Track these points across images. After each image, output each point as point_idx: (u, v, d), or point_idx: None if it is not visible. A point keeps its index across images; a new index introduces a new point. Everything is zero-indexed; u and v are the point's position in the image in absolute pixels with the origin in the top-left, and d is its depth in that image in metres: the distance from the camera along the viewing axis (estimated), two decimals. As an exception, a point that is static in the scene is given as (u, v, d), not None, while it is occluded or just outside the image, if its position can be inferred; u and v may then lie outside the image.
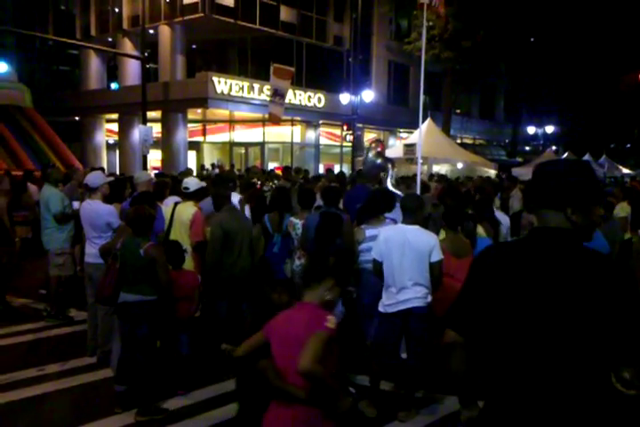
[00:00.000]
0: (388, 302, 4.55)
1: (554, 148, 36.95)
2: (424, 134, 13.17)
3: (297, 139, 26.51)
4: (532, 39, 25.23)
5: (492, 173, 20.37)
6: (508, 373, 1.77)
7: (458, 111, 32.60)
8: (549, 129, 37.23)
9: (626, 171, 31.63)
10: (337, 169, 26.75)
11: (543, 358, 1.71)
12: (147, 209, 4.73)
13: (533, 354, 1.73)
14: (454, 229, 5.27)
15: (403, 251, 4.48)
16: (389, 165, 8.13)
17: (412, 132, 23.39)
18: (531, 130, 37.45)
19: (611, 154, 34.14)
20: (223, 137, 26.38)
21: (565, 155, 28.79)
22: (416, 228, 4.59)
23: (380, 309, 4.63)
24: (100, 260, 5.53)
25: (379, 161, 8.19)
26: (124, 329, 4.71)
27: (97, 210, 5.57)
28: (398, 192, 8.08)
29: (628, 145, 41.50)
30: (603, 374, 1.75)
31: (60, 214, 6.75)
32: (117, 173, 19.71)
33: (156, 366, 4.66)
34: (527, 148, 40.42)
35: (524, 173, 22.93)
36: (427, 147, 14.03)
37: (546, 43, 26.42)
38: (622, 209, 8.79)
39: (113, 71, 18.23)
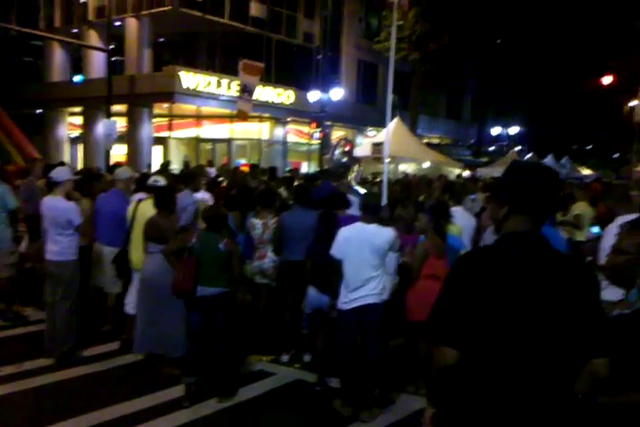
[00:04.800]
0: (345, 300, 4.66)
1: (518, 148, 37.58)
2: (392, 133, 13.18)
3: (265, 136, 26.34)
4: (498, 41, 25.62)
5: (457, 171, 20.59)
6: (494, 375, 1.78)
7: (425, 111, 32.86)
8: (514, 130, 37.84)
9: (587, 172, 32.36)
10: (304, 167, 26.80)
11: (530, 358, 1.75)
12: (223, 208, 5.25)
13: (522, 354, 1.75)
14: (434, 228, 5.24)
15: (361, 250, 4.58)
16: (356, 164, 8.16)
17: (379, 131, 23.47)
18: (496, 130, 37.98)
19: (573, 155, 34.90)
20: (190, 132, 26.03)
21: (529, 155, 29.31)
22: (374, 226, 4.69)
23: (338, 306, 4.74)
24: (62, 257, 5.42)
25: (344, 160, 8.21)
26: (195, 322, 4.86)
27: (58, 207, 5.42)
28: (363, 190, 8.11)
29: (589, 146, 42.51)
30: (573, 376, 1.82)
31: (17, 210, 6.62)
32: (78, 167, 19.25)
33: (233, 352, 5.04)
34: (492, 148, 41.00)
35: (488, 172, 23.34)
36: (394, 146, 14.04)
37: (512, 45, 26.85)
38: (577, 208, 8.86)
39: (77, 64, 17.80)
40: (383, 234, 4.65)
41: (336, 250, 4.68)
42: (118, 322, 6.23)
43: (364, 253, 4.56)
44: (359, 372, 4.78)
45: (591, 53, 29.19)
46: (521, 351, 1.75)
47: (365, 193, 6.07)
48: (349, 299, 4.62)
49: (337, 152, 8.33)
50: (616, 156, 37.35)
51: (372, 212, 4.77)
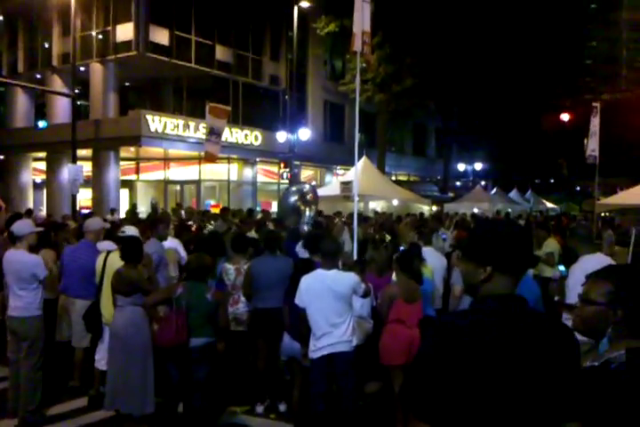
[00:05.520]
0: (313, 348, 4.62)
1: (483, 183, 38.41)
2: (360, 172, 13.34)
3: (234, 176, 26.37)
4: (460, 81, 26.50)
5: (426, 209, 20.86)
6: None
7: (392, 149, 33.46)
8: (478, 166, 38.75)
9: (550, 205, 33.20)
10: (274, 206, 26.79)
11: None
12: (207, 257, 5.12)
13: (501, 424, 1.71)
14: (407, 273, 5.24)
15: (323, 297, 4.56)
16: (306, 208, 8.15)
17: (348, 170, 23.75)
18: (461, 167, 38.83)
19: (536, 189, 35.79)
20: (158, 175, 25.91)
21: (494, 190, 29.96)
22: (335, 272, 4.68)
23: (309, 355, 4.68)
24: (26, 313, 5.21)
25: (293, 199, 8.16)
26: (174, 374, 4.84)
27: (22, 261, 5.23)
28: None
29: (552, 180, 43.67)
30: None
31: None
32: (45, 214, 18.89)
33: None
34: (458, 183, 41.83)
35: (455, 208, 23.73)
36: (363, 184, 14.21)
37: (472, 85, 27.76)
38: (549, 245, 9.10)
39: (41, 109, 17.68)
40: (344, 279, 4.63)
41: (299, 299, 4.66)
42: (86, 377, 6.00)
43: (327, 300, 4.53)
44: (335, 421, 4.67)
45: (550, 91, 30.36)
46: (500, 423, 1.71)
47: (323, 239, 6.05)
48: (317, 347, 4.57)
49: (290, 193, 8.29)
50: (578, 189, 38.43)
51: (330, 257, 4.75)
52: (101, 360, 5.61)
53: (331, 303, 4.53)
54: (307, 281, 4.66)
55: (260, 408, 5.66)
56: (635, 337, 1.90)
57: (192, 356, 4.71)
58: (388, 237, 12.10)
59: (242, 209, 16.72)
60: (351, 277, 4.68)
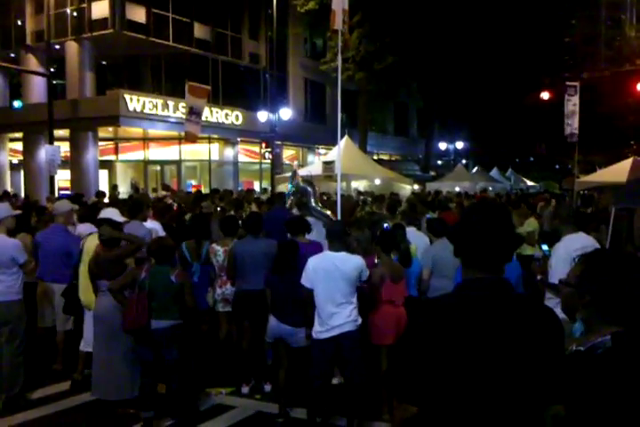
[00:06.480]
0: (320, 329, 4.60)
1: (464, 162, 38.55)
2: (342, 151, 13.27)
3: (215, 156, 26.15)
4: (441, 60, 26.38)
5: (408, 188, 20.90)
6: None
7: (373, 128, 33.34)
8: (459, 145, 38.82)
9: (530, 183, 33.51)
10: (257, 186, 26.67)
11: (492, 410, 1.73)
12: (168, 239, 5.15)
13: (484, 406, 1.73)
14: (388, 253, 5.29)
15: (331, 278, 4.54)
16: (309, 189, 8.17)
17: (330, 149, 23.65)
18: (442, 145, 38.87)
19: (516, 167, 36.04)
20: (137, 155, 25.58)
21: (475, 169, 30.13)
22: (343, 254, 4.67)
23: (313, 335, 4.67)
24: (6, 297, 5.16)
25: (309, 188, 8.22)
26: (146, 356, 4.82)
27: (1, 245, 5.13)
28: (327, 212, 8.10)
29: (531, 159, 43.96)
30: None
31: None
32: (22, 195, 18.59)
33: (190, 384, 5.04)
34: (439, 162, 41.91)
35: (437, 187, 23.83)
36: (345, 164, 14.17)
37: (453, 63, 27.66)
38: (530, 224, 9.24)
39: (16, 89, 17.26)
40: (352, 261, 4.64)
41: (305, 279, 4.64)
42: (69, 360, 5.97)
43: (335, 280, 4.53)
44: (331, 402, 4.71)
45: (530, 70, 30.35)
46: (483, 404, 1.73)
47: (330, 221, 6.04)
48: (325, 328, 4.56)
49: (300, 183, 8.28)
50: (557, 167, 38.75)
51: (338, 239, 4.73)
52: (86, 342, 5.57)
53: (338, 284, 4.52)
54: (314, 262, 4.64)
55: (245, 389, 5.70)
56: (614, 322, 1.91)
57: (160, 339, 4.71)
58: (370, 199, 12.15)
59: (230, 191, 16.53)
60: (358, 260, 4.69)
